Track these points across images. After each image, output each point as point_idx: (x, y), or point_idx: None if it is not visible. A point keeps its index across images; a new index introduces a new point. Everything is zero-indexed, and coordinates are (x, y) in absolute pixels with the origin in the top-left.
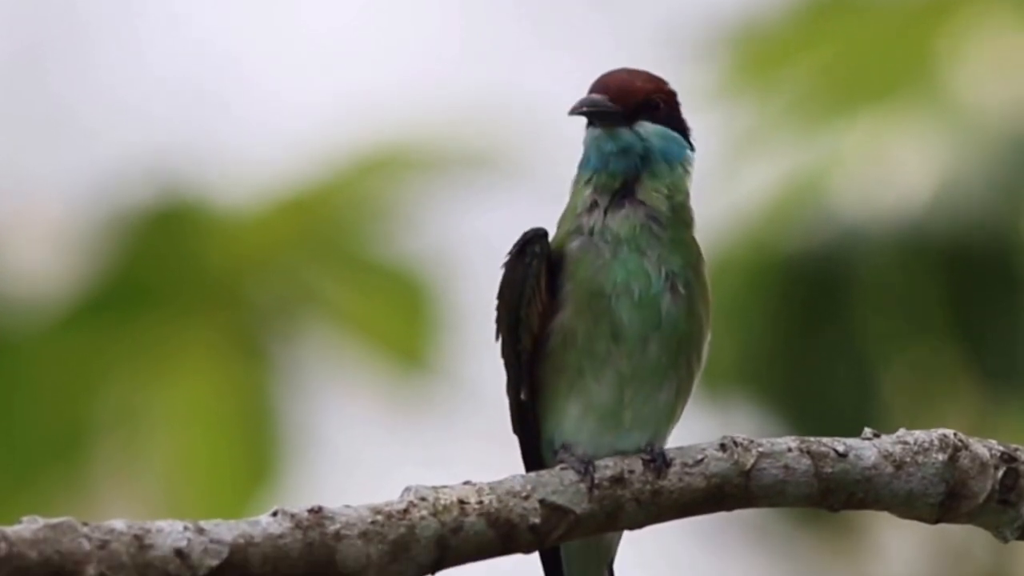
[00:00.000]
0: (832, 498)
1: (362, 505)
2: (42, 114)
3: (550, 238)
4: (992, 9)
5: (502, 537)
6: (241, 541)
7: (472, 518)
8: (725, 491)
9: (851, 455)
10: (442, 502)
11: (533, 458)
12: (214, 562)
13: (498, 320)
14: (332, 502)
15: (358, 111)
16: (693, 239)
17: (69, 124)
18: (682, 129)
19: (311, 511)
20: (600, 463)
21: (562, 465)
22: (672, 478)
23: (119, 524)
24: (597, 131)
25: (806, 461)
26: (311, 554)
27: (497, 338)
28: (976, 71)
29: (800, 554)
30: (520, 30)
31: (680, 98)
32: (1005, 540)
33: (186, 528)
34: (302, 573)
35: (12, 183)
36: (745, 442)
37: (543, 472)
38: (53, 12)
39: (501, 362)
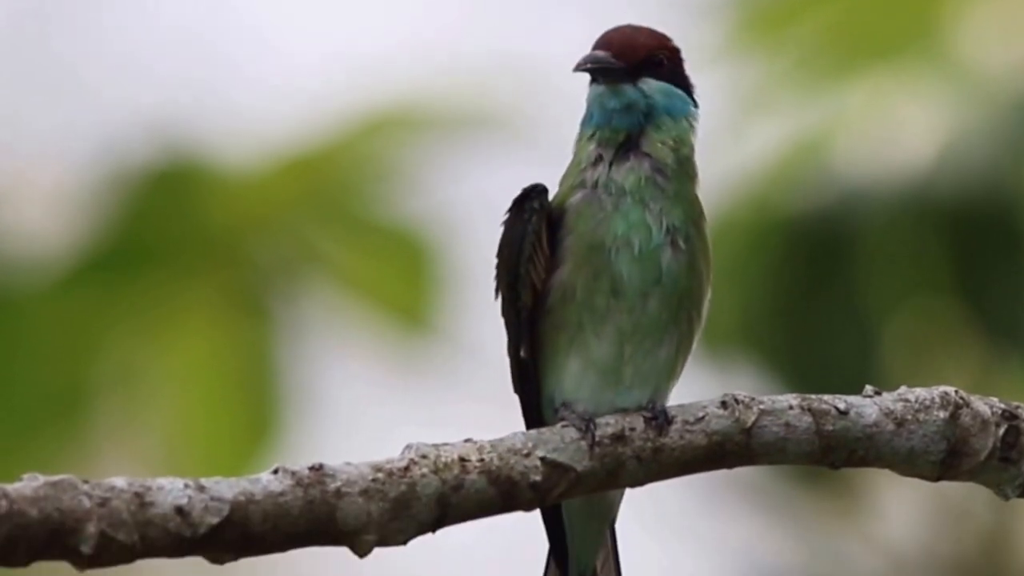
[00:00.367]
0: (833, 456)
1: (363, 462)
2: (45, 72)
3: (551, 195)
4: None
5: (503, 495)
6: (242, 499)
7: (473, 476)
8: (726, 449)
9: (852, 413)
10: (443, 460)
11: (534, 417)
12: (215, 520)
13: (497, 277)
14: (333, 460)
15: (362, 71)
16: (696, 195)
17: (72, 82)
18: (686, 86)
19: (312, 469)
20: (601, 420)
21: (563, 423)
22: (673, 435)
23: (119, 482)
24: (600, 88)
25: (807, 419)
26: (312, 512)
27: (496, 296)
28: (981, 31)
29: (800, 514)
30: None
31: (684, 55)
32: (1006, 498)
33: (187, 486)
34: (303, 531)
35: (14, 141)
36: (746, 400)
37: (544, 430)
38: None
39: (501, 320)
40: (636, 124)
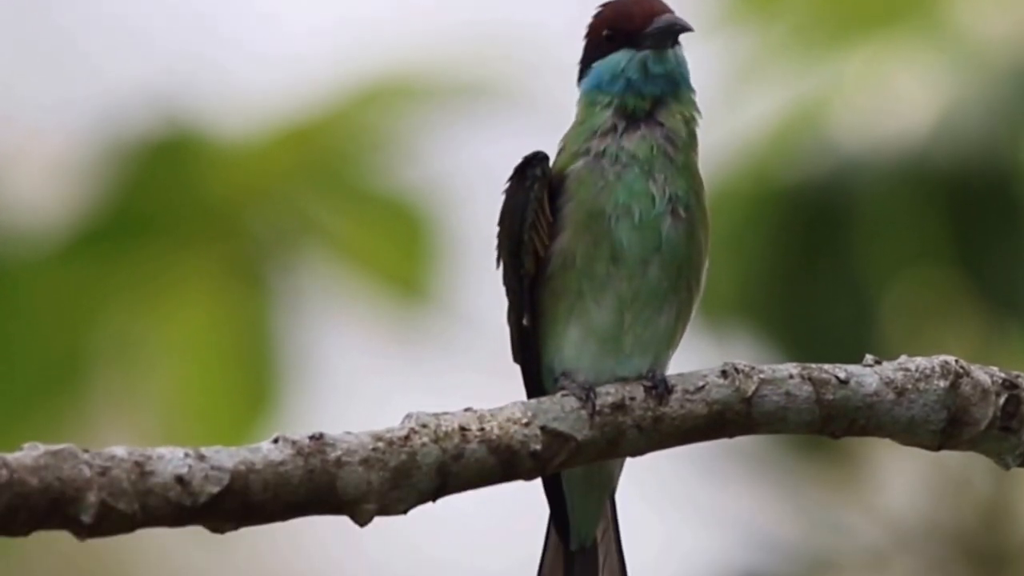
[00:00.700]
0: (833, 425)
1: (363, 432)
2: (44, 43)
3: (551, 162)
4: None
5: (503, 464)
6: (242, 468)
7: (473, 445)
8: (726, 418)
9: (852, 382)
10: (443, 429)
11: (534, 386)
12: (215, 489)
13: (499, 246)
14: (332, 429)
15: (359, 41)
16: (697, 166)
17: (70, 53)
18: None
19: (312, 438)
20: (601, 390)
21: (563, 392)
22: (673, 405)
23: (120, 451)
24: (644, 53)
25: (807, 388)
26: (312, 481)
27: (498, 264)
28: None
29: (799, 484)
30: None
31: None
32: (1007, 467)
33: (187, 455)
34: (303, 500)
35: (13, 112)
36: (747, 369)
37: (544, 399)
38: None
39: (502, 289)
40: (666, 90)
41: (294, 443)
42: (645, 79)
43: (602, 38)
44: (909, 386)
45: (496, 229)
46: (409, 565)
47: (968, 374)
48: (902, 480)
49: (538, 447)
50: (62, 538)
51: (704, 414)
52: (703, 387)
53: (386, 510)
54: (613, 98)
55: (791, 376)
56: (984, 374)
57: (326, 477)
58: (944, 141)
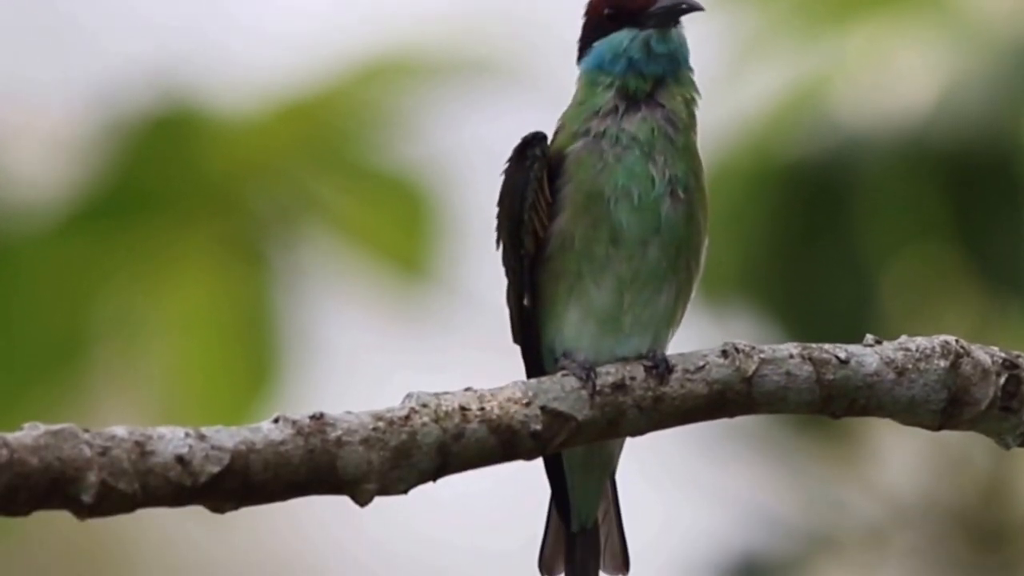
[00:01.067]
0: (834, 405)
1: (363, 412)
2: (43, 19)
3: (550, 138)
4: None
5: (503, 444)
6: (242, 447)
7: (474, 425)
8: (727, 397)
9: (853, 362)
10: (443, 409)
11: (534, 366)
12: (215, 468)
13: (499, 226)
14: (333, 409)
15: (360, 17)
16: (696, 147)
17: (70, 29)
18: None
19: (312, 417)
20: (601, 369)
21: (563, 372)
22: (674, 384)
23: (120, 431)
24: (647, 32)
25: (808, 368)
26: (312, 460)
27: (498, 245)
28: None
29: (800, 462)
30: None
31: None
32: (1007, 447)
33: (187, 435)
34: (303, 480)
35: (12, 89)
36: (747, 348)
37: (544, 379)
38: None
39: (502, 270)
40: (668, 71)
41: (294, 423)
42: (648, 59)
43: (603, 16)
44: (909, 366)
45: (496, 210)
46: (410, 545)
47: (968, 354)
48: (902, 458)
49: (538, 427)
50: (62, 518)
51: (704, 394)
52: (703, 367)
53: (386, 490)
54: (615, 78)
55: (791, 356)
56: (984, 354)
57: (326, 457)
58: (945, 119)
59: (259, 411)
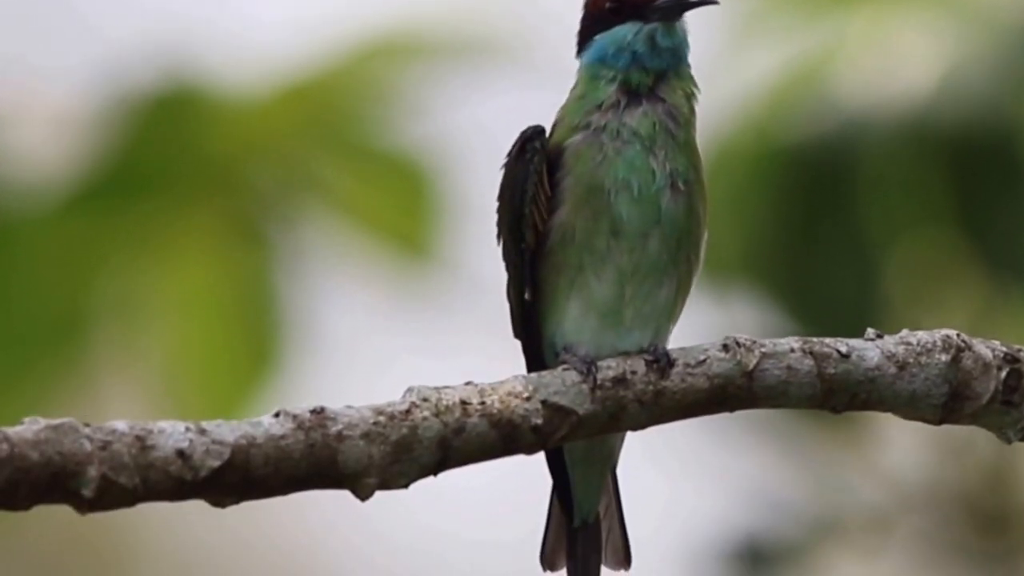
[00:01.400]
0: (835, 399)
1: (364, 406)
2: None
3: (548, 131)
4: None
5: (504, 438)
6: (243, 442)
7: (474, 419)
8: (728, 392)
9: (854, 356)
10: (444, 403)
11: (535, 360)
12: (216, 463)
13: (499, 220)
14: (333, 392)
15: None
16: (695, 141)
17: (71, 9)
18: None
19: (313, 412)
20: (603, 364)
21: (564, 366)
22: (675, 379)
23: (121, 425)
24: (653, 25)
25: (809, 362)
26: (313, 455)
27: (498, 240)
28: None
29: (805, 448)
30: None
31: None
32: (1008, 441)
33: (188, 429)
34: (304, 474)
35: (15, 69)
36: (748, 343)
37: (545, 373)
38: None
39: (503, 264)
40: (669, 65)
41: (295, 417)
42: (652, 53)
43: (604, 9)
44: (911, 360)
45: (496, 204)
46: (412, 538)
47: (970, 348)
48: (907, 443)
49: (539, 421)
50: (66, 511)
51: (705, 388)
52: (704, 361)
53: (387, 484)
54: (617, 72)
55: (792, 350)
56: (985, 348)
57: (327, 451)
58: (948, 101)
59: (260, 393)
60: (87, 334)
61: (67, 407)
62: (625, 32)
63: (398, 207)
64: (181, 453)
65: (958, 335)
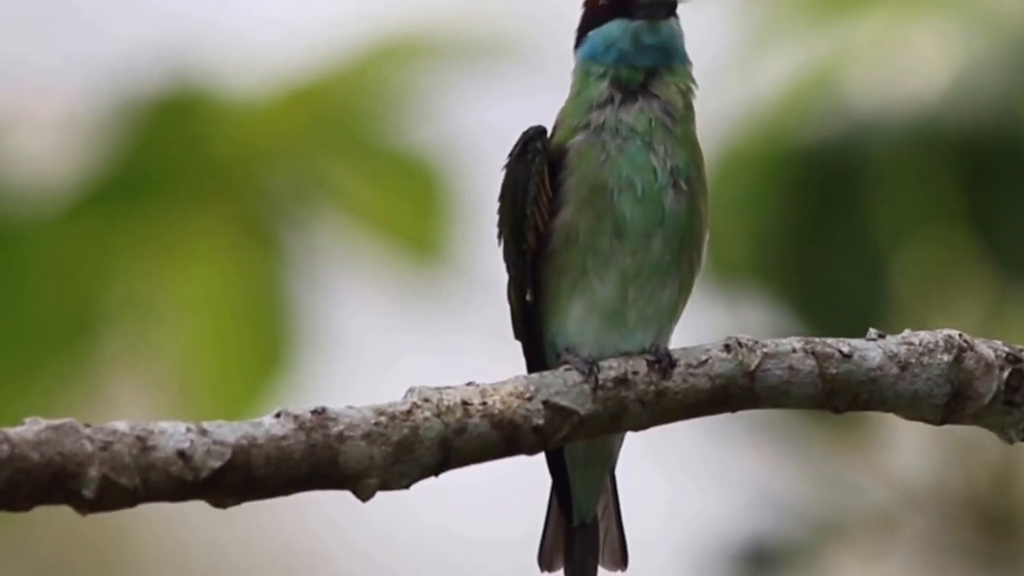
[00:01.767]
0: (836, 399)
1: (365, 406)
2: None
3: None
4: None
5: (506, 439)
6: (244, 442)
7: (476, 419)
8: (729, 392)
9: (856, 356)
10: (445, 403)
11: (536, 362)
12: (217, 463)
13: (500, 221)
14: (341, 393)
15: None
16: (696, 138)
17: (78, 10)
18: None
19: (314, 412)
20: (604, 364)
21: (566, 366)
22: (676, 379)
23: (121, 425)
24: (638, 23)
25: (810, 362)
26: (314, 455)
27: (499, 241)
28: None
29: (810, 448)
30: None
31: None
32: (1010, 441)
33: (189, 429)
34: (305, 474)
35: (20, 71)
36: (750, 343)
37: (547, 373)
38: None
39: (504, 265)
40: (659, 62)
41: (296, 417)
42: (637, 50)
43: (599, 6)
44: (912, 360)
45: (498, 205)
46: (413, 537)
47: (972, 348)
48: (911, 443)
49: (540, 422)
50: (67, 511)
51: (707, 388)
52: (706, 361)
53: (388, 485)
54: (607, 68)
55: (794, 350)
56: (988, 348)
57: (328, 452)
58: (958, 104)
59: (269, 395)
60: (96, 337)
61: (76, 410)
62: (613, 29)
63: (407, 208)
64: (182, 454)
65: (960, 335)
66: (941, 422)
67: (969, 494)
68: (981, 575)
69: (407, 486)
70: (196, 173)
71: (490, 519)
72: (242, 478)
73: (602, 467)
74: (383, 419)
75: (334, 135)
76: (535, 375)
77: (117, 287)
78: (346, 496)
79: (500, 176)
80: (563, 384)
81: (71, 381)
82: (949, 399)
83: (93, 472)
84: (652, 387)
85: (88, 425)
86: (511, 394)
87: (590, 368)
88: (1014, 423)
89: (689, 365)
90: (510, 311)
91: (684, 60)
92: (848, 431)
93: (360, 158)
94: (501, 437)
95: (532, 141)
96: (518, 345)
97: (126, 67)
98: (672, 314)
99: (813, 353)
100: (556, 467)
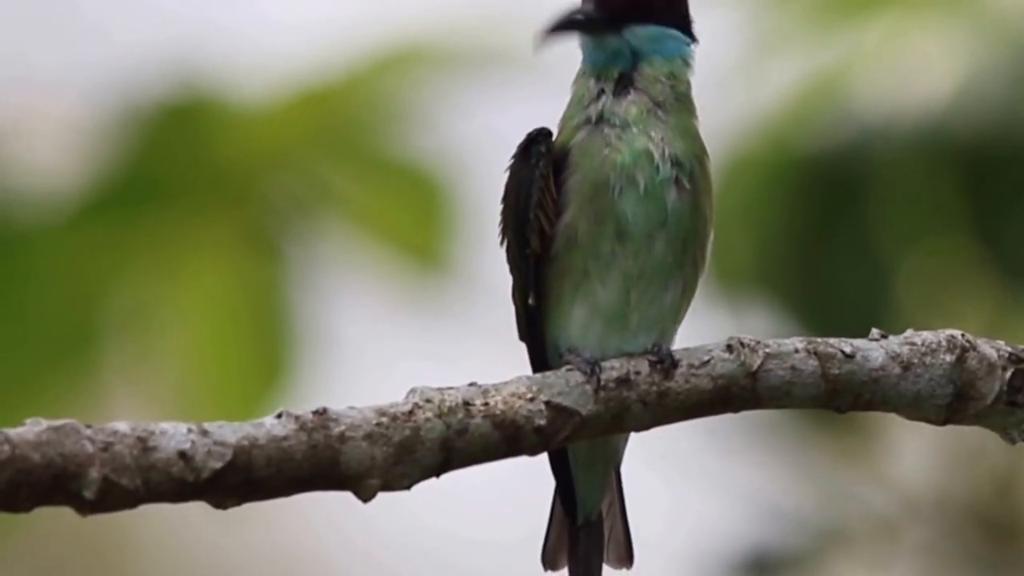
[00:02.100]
0: (839, 399)
1: (367, 407)
2: (55, 5)
3: (554, 137)
4: None
5: (507, 439)
6: (245, 443)
7: (477, 420)
8: (732, 392)
9: (858, 356)
10: (447, 404)
11: (539, 363)
12: (218, 464)
13: (504, 224)
14: (343, 400)
15: (374, 6)
16: (698, 132)
17: (82, 15)
18: (682, 22)
19: (316, 413)
20: (606, 364)
21: (568, 367)
22: (679, 379)
23: (122, 426)
24: (585, 38)
25: (813, 362)
26: (315, 456)
27: (502, 243)
28: None
29: (811, 454)
30: None
31: None
32: (1013, 442)
33: (190, 430)
34: (306, 475)
35: (24, 76)
36: (752, 343)
37: (549, 374)
38: None
39: (507, 268)
40: (628, 64)
41: (297, 418)
42: (594, 59)
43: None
44: (915, 360)
45: (501, 207)
46: (415, 537)
47: (974, 348)
48: (914, 450)
49: (542, 422)
50: (69, 512)
51: (709, 389)
52: (708, 361)
53: (390, 485)
54: (591, 68)
55: (797, 350)
56: (991, 348)
57: (329, 452)
58: (963, 111)
59: (271, 402)
60: (99, 344)
61: (79, 416)
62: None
63: (410, 216)
64: (183, 454)
65: (963, 335)
66: (943, 422)
67: (971, 501)
68: None
69: (408, 487)
70: (199, 180)
71: (492, 520)
72: (243, 479)
73: (606, 466)
74: (384, 420)
75: (338, 143)
76: (537, 376)
77: (120, 294)
78: (347, 497)
79: (503, 178)
80: (565, 384)
81: (74, 388)
82: (952, 399)
83: (94, 473)
84: (654, 387)
85: (89, 426)
86: (513, 395)
87: (592, 368)
88: (1016, 423)
89: (691, 365)
90: (515, 312)
91: (668, 55)
92: (850, 438)
93: (364, 166)
94: (503, 438)
95: (535, 143)
96: (520, 351)
97: (131, 73)
98: (675, 316)
99: (815, 353)
100: (559, 466)
